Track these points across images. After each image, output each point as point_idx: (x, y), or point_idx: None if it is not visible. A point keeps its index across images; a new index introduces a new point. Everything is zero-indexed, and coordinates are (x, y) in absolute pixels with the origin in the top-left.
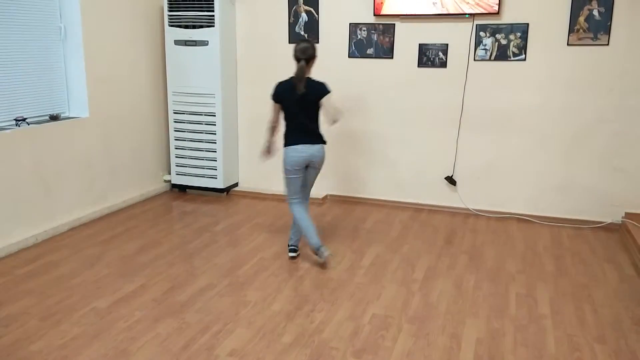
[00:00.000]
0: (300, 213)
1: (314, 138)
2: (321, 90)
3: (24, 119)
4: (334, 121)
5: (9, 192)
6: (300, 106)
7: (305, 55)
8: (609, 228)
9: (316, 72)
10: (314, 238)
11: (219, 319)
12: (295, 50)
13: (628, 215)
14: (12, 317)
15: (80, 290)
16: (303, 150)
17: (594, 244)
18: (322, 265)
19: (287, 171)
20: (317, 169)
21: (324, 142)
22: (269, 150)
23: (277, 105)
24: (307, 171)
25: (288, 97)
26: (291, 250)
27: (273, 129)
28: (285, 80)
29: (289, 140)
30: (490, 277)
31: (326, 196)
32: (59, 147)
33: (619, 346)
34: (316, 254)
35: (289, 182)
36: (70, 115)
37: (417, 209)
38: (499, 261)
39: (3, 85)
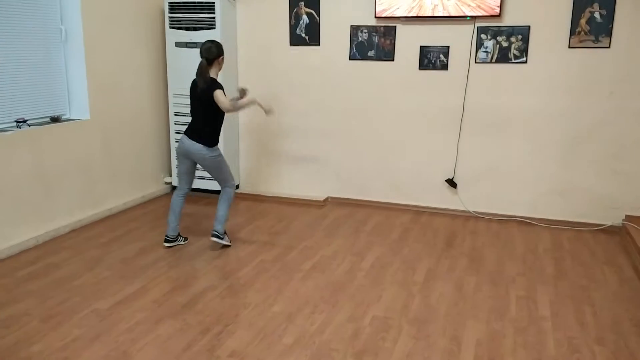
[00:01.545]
0: (173, 202)
1: (197, 136)
2: (212, 87)
3: (24, 121)
4: (228, 110)
5: (9, 194)
6: (197, 102)
7: (207, 54)
8: (609, 231)
9: (318, 75)
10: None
11: (219, 320)
12: (200, 49)
13: (628, 217)
14: (13, 319)
15: (81, 291)
16: (183, 142)
17: (594, 247)
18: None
19: (177, 156)
20: (204, 166)
21: (205, 143)
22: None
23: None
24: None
25: (192, 92)
26: (166, 241)
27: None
28: (194, 79)
29: (185, 131)
30: (491, 279)
31: (327, 198)
32: (60, 149)
33: (619, 348)
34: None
35: (177, 166)
36: (71, 117)
37: (418, 212)
38: (499, 264)
39: (4, 87)
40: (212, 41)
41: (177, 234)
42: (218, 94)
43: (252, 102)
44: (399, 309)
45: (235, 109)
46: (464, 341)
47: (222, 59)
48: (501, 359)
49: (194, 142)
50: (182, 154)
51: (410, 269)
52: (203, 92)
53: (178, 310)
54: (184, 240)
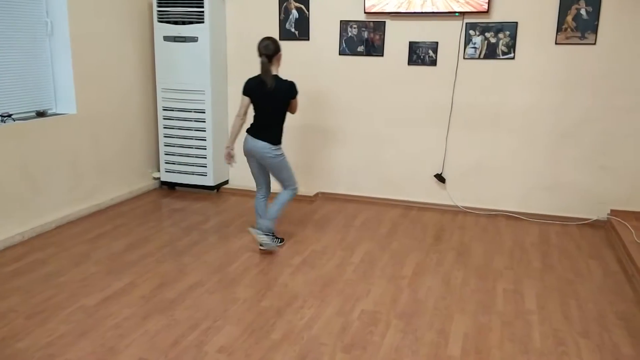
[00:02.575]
0: (256, 201)
1: (262, 134)
2: (290, 93)
3: (9, 115)
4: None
5: None
6: (266, 102)
7: (267, 51)
8: (595, 225)
9: (307, 70)
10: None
11: (208, 315)
12: (258, 47)
13: (613, 212)
14: None
15: (68, 288)
16: (247, 142)
17: (579, 241)
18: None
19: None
20: (267, 165)
21: (270, 141)
22: (230, 155)
23: (248, 99)
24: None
25: (257, 92)
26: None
27: (241, 124)
28: (256, 76)
29: (248, 130)
30: (478, 273)
31: (317, 194)
32: (46, 143)
33: (603, 340)
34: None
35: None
36: (58, 112)
37: (407, 207)
38: (486, 258)
39: None
40: (269, 38)
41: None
42: (295, 102)
43: None
44: (387, 303)
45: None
46: (452, 334)
47: (280, 54)
48: (488, 352)
49: (257, 140)
50: (248, 154)
51: (399, 264)
52: (279, 92)
53: (166, 305)
54: (279, 242)
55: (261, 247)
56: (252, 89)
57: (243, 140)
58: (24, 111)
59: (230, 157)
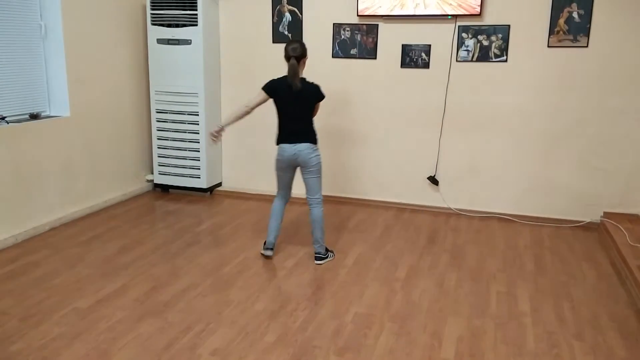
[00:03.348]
0: (275, 208)
1: (301, 137)
2: (317, 96)
3: (3, 118)
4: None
5: None
6: (294, 104)
7: (295, 54)
8: (588, 227)
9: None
10: (270, 236)
11: (201, 318)
12: (286, 49)
13: (606, 214)
14: None
15: (61, 290)
16: (285, 150)
17: (573, 243)
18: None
19: (275, 167)
20: (308, 168)
21: (312, 141)
22: (219, 133)
23: (265, 97)
24: (300, 171)
25: (282, 95)
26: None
27: (245, 114)
28: (280, 78)
29: (280, 139)
30: (472, 275)
31: None
32: (40, 146)
33: (597, 343)
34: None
35: (276, 177)
36: (51, 114)
37: (400, 209)
38: (480, 260)
39: None
40: (298, 41)
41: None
42: (319, 104)
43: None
44: (381, 306)
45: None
46: (445, 337)
47: (306, 58)
48: (482, 355)
49: (299, 144)
50: (287, 162)
51: (392, 266)
52: (307, 93)
53: (159, 308)
54: (332, 256)
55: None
56: (277, 90)
57: (278, 152)
58: (17, 114)
59: (218, 135)
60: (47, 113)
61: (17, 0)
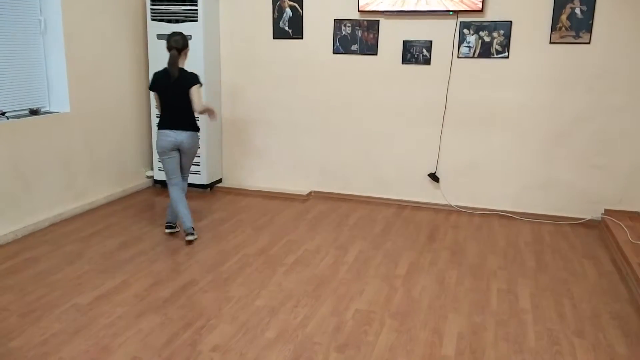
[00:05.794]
0: (175, 194)
1: (182, 125)
2: (191, 80)
3: (3, 113)
4: (199, 112)
5: None
6: (173, 93)
7: (177, 45)
8: (589, 224)
9: (301, 68)
10: (187, 222)
11: (202, 314)
12: (169, 41)
13: (607, 212)
14: None
15: (61, 286)
16: (170, 135)
17: (573, 240)
18: (187, 243)
19: (159, 153)
20: (188, 155)
21: (194, 130)
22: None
23: (155, 94)
24: (180, 155)
25: (162, 85)
26: (168, 227)
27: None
28: (161, 70)
29: (161, 125)
30: (472, 272)
31: (310, 193)
32: (39, 142)
33: (598, 340)
34: (185, 234)
35: (162, 163)
36: (51, 110)
37: (401, 206)
38: (480, 257)
39: None
40: (179, 33)
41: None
42: (197, 90)
43: (211, 109)
44: (381, 303)
45: (203, 112)
46: (446, 334)
47: (188, 50)
48: (482, 352)
49: (181, 131)
50: (170, 147)
51: (392, 263)
52: (185, 81)
53: (160, 304)
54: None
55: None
56: (158, 81)
57: (159, 138)
58: (17, 109)
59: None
60: (47, 109)
61: None
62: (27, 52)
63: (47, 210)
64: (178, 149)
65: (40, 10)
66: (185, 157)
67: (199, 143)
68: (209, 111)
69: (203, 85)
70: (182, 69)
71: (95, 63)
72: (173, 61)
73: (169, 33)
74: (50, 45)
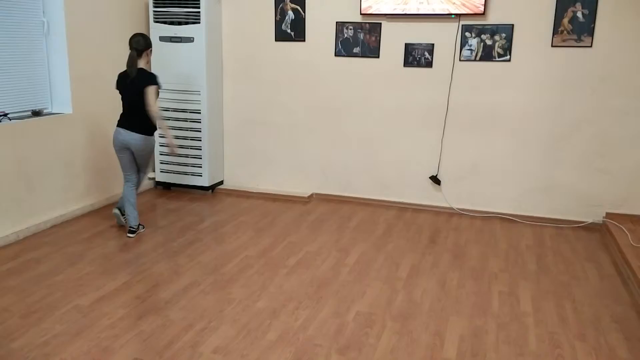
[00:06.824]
0: (126, 190)
1: (134, 126)
2: (146, 80)
3: (5, 114)
4: (151, 113)
5: None
6: (129, 92)
7: (137, 46)
8: (590, 228)
9: (303, 71)
10: (131, 221)
11: (203, 316)
12: (130, 42)
13: (609, 215)
14: None
15: (62, 287)
16: (121, 133)
17: (575, 244)
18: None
19: (114, 149)
20: (139, 155)
21: (143, 132)
22: (170, 143)
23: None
24: (133, 154)
25: (122, 83)
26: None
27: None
28: (124, 70)
29: (118, 122)
30: (474, 275)
31: (312, 195)
32: (42, 143)
33: (599, 343)
34: (128, 231)
35: (118, 159)
36: (53, 111)
37: (402, 208)
38: (482, 260)
39: None
40: (141, 34)
41: (138, 223)
42: (151, 90)
43: (167, 136)
44: (382, 305)
45: (157, 117)
46: (447, 337)
47: (150, 50)
48: (484, 355)
49: (130, 132)
50: (120, 146)
51: (394, 265)
52: (141, 81)
53: (161, 306)
54: (142, 228)
55: (132, 235)
56: (120, 81)
57: (114, 135)
58: (19, 110)
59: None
60: (49, 110)
61: None
62: (30, 54)
63: (49, 211)
64: (129, 149)
65: (44, 12)
66: (137, 157)
67: (151, 145)
68: (162, 127)
69: (161, 88)
70: (142, 70)
71: (98, 65)
72: (132, 62)
73: (133, 35)
74: (53, 47)
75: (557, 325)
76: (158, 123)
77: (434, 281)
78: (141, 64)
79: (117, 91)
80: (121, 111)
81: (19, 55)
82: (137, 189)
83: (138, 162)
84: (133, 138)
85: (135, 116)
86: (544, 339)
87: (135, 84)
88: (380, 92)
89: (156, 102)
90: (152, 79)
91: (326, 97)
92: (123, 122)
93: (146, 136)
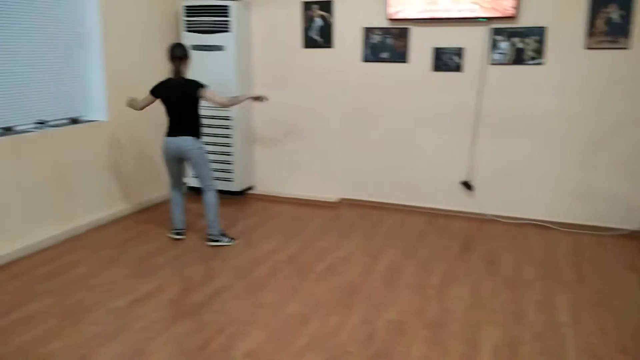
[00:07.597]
0: (173, 196)
1: (185, 132)
2: (195, 86)
3: (44, 122)
4: (223, 105)
5: (29, 194)
6: (178, 101)
7: (180, 54)
8: (631, 236)
9: (331, 77)
10: (176, 224)
11: (234, 320)
12: (171, 52)
13: None
14: (32, 316)
15: (98, 290)
16: (173, 142)
17: (614, 252)
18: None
19: (164, 159)
20: (194, 161)
21: (194, 135)
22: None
23: (151, 98)
24: (186, 162)
25: (166, 94)
26: (177, 233)
27: (137, 109)
28: (165, 79)
29: (166, 132)
30: (508, 283)
31: (341, 200)
32: (79, 149)
33: None
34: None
35: (167, 170)
36: (90, 119)
37: (433, 214)
38: (516, 268)
39: (24, 89)
40: (180, 44)
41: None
42: (208, 91)
43: (249, 96)
44: (414, 313)
45: (231, 102)
46: (481, 346)
47: (189, 59)
48: None
49: (181, 137)
50: (173, 154)
51: (425, 272)
52: (189, 88)
53: (194, 309)
54: (229, 241)
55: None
56: (161, 90)
57: (163, 144)
58: (58, 118)
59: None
60: (86, 118)
61: (58, 7)
62: (68, 63)
63: (86, 215)
64: (181, 158)
65: (81, 24)
66: (194, 164)
67: (203, 151)
68: (239, 101)
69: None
70: (186, 78)
71: (133, 74)
72: (177, 70)
73: (173, 44)
74: (90, 57)
75: (597, 337)
76: (233, 100)
77: (467, 289)
78: (183, 72)
79: (154, 97)
80: (167, 121)
81: (58, 64)
82: (211, 199)
83: (195, 171)
84: (185, 141)
85: (186, 123)
86: (583, 350)
87: (184, 92)
88: (409, 96)
89: (217, 95)
90: (199, 83)
91: (355, 103)
92: (173, 131)
93: (197, 138)
